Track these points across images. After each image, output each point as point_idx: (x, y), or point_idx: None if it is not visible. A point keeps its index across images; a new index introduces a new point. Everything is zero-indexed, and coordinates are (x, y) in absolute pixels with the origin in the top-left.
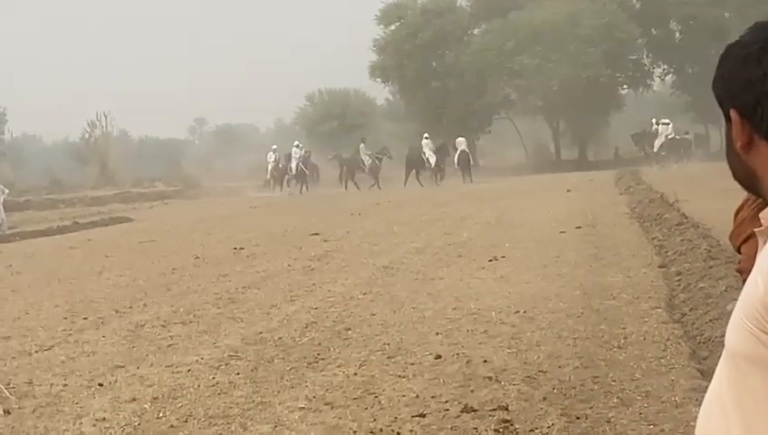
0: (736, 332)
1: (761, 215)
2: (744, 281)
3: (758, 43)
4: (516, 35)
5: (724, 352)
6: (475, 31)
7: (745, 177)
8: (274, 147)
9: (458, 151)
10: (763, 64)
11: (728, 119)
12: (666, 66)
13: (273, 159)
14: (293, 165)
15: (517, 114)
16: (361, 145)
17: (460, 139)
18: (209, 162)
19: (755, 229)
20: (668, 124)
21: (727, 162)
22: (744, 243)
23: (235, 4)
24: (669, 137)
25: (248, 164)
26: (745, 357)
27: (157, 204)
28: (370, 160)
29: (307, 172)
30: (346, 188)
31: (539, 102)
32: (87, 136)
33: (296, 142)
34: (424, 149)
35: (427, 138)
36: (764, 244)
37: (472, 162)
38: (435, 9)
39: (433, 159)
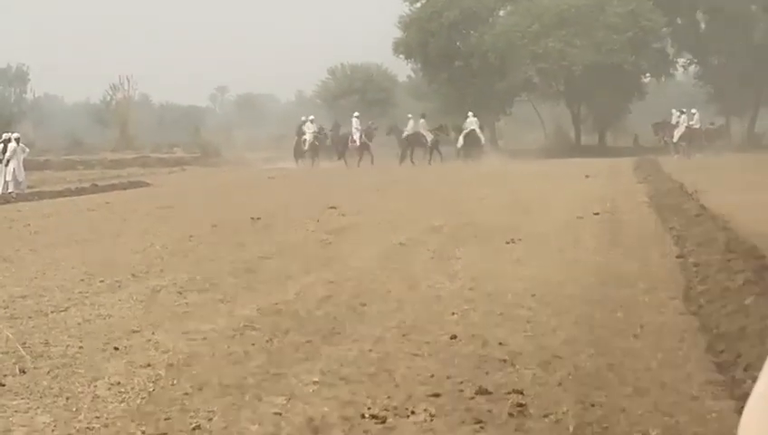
0: None
1: None
2: None
3: None
4: (541, 18)
5: None
6: (501, 12)
7: None
8: (312, 117)
9: (466, 131)
10: None
11: None
12: (690, 56)
13: (311, 130)
14: (356, 136)
15: (538, 98)
16: (422, 120)
17: (472, 119)
18: (229, 131)
19: None
20: (695, 114)
21: None
22: None
23: None
24: (694, 127)
25: (269, 134)
26: None
27: (175, 170)
28: (432, 136)
29: (368, 143)
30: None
31: (561, 87)
32: (108, 99)
33: (356, 113)
34: (418, 129)
35: (423, 117)
36: None
37: (482, 142)
38: None
39: (430, 138)
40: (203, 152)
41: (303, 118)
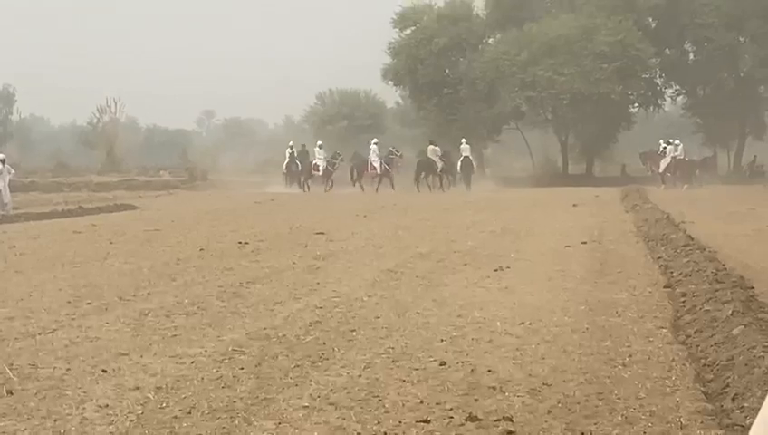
0: None
1: None
2: None
3: None
4: (530, 47)
5: None
6: (490, 40)
7: None
8: (320, 142)
9: (462, 157)
10: None
11: None
12: (678, 87)
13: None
14: (320, 165)
15: (527, 125)
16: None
17: (465, 145)
18: (216, 155)
19: None
20: (679, 145)
21: None
22: None
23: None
24: (678, 157)
25: (256, 158)
26: None
27: (162, 193)
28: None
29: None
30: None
31: (549, 115)
32: (95, 121)
33: (319, 142)
34: (430, 155)
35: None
36: None
37: (474, 169)
38: (450, 16)
39: (440, 165)
40: (190, 176)
41: (292, 143)
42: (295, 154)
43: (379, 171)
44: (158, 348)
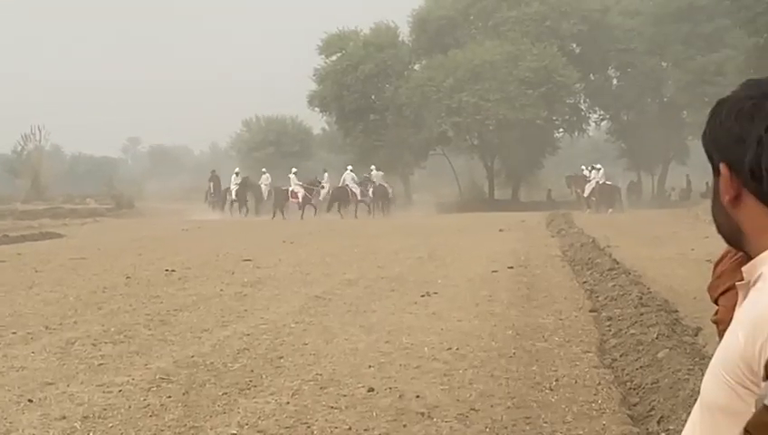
0: (713, 383)
1: (743, 269)
2: (721, 332)
3: (752, 99)
4: (456, 73)
5: (699, 401)
6: (416, 66)
7: (729, 231)
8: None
9: (375, 185)
10: (755, 121)
11: (717, 172)
12: (602, 112)
13: (296, 182)
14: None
15: (453, 151)
16: (291, 175)
17: (376, 172)
18: (142, 182)
19: (737, 283)
20: (600, 170)
21: (712, 214)
22: (723, 295)
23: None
24: (600, 182)
25: (182, 185)
26: (721, 409)
27: (88, 221)
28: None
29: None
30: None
31: (475, 141)
32: (20, 149)
33: (236, 169)
34: (347, 181)
35: (350, 170)
36: (744, 298)
37: (390, 195)
38: (376, 42)
39: (357, 192)
40: (116, 203)
41: (238, 169)
42: (298, 181)
43: (300, 200)
44: (85, 377)
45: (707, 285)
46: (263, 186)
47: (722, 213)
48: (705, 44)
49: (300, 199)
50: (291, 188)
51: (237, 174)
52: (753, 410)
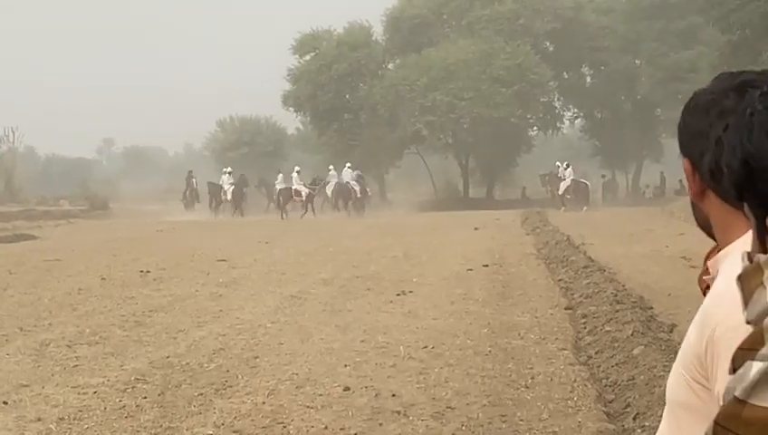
0: (673, 379)
1: (708, 263)
2: None
3: (712, 94)
4: (430, 72)
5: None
6: (390, 65)
7: (703, 223)
8: (229, 169)
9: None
10: (710, 115)
11: None
12: (576, 110)
13: (229, 182)
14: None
15: (427, 150)
16: (294, 174)
17: (349, 171)
18: (116, 183)
19: (704, 277)
20: (568, 167)
21: (691, 208)
22: (708, 289)
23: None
24: (580, 180)
25: (157, 186)
26: (681, 405)
27: (62, 223)
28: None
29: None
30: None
31: (449, 139)
32: None
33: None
34: (293, 183)
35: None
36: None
37: (358, 195)
38: (350, 42)
39: (304, 193)
40: (90, 205)
41: (226, 169)
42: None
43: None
44: (60, 379)
45: (696, 277)
46: (225, 186)
47: (695, 205)
48: (679, 41)
49: (303, 198)
50: (294, 187)
51: (230, 173)
52: (710, 405)
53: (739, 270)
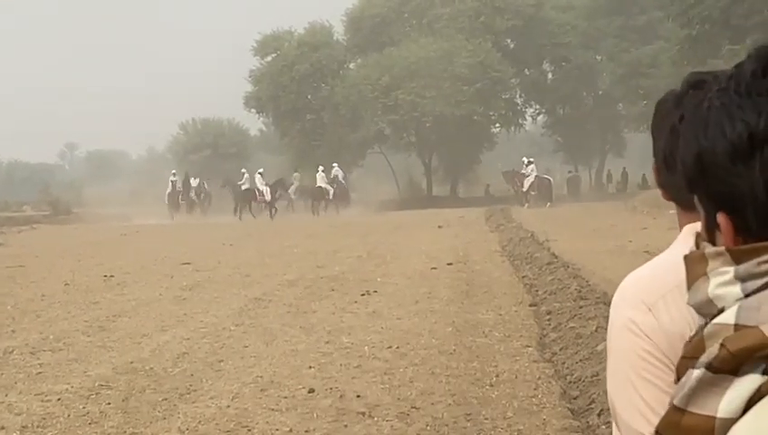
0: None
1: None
2: None
3: (680, 88)
4: (392, 71)
5: None
6: (351, 65)
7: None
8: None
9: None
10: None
11: None
12: (538, 106)
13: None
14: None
15: (390, 149)
16: (257, 176)
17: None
18: (80, 188)
19: None
20: (531, 163)
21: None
22: None
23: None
24: (543, 176)
25: (121, 190)
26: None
27: (25, 229)
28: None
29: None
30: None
31: (412, 138)
32: None
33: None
34: (256, 183)
35: (260, 173)
36: None
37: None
38: (311, 42)
39: (267, 194)
40: (53, 210)
41: (173, 171)
42: (178, 183)
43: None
44: (23, 386)
45: None
46: (261, 187)
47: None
48: (639, 37)
49: (267, 199)
50: (258, 188)
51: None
52: None
53: (686, 250)
